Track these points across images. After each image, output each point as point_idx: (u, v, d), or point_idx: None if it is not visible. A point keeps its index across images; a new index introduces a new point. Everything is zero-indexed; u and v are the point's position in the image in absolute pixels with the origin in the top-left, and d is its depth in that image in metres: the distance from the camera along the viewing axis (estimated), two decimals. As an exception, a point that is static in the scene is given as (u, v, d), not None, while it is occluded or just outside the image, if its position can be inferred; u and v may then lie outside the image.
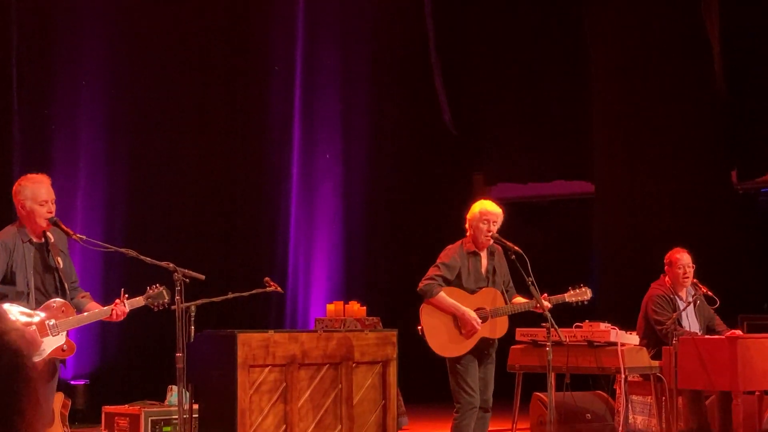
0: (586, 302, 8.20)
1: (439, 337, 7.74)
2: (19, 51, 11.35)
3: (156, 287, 6.92)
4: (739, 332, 9.13)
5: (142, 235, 11.48)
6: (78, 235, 6.81)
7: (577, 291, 8.15)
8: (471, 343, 7.73)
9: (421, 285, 7.77)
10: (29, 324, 6.39)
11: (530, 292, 7.64)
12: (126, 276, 11.02)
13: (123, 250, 7.14)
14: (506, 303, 7.84)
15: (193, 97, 12.80)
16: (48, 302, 6.53)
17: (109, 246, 7.36)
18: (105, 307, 6.70)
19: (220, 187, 13.01)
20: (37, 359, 6.39)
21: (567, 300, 8.10)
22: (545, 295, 7.84)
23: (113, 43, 12.23)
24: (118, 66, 12.22)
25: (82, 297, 6.76)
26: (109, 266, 11.37)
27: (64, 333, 6.55)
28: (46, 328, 6.44)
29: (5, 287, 6.44)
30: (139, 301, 6.83)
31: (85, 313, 6.68)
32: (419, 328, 7.80)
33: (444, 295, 7.72)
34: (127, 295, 6.76)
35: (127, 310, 6.74)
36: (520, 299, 7.90)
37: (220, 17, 13.07)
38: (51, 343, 6.47)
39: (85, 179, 11.93)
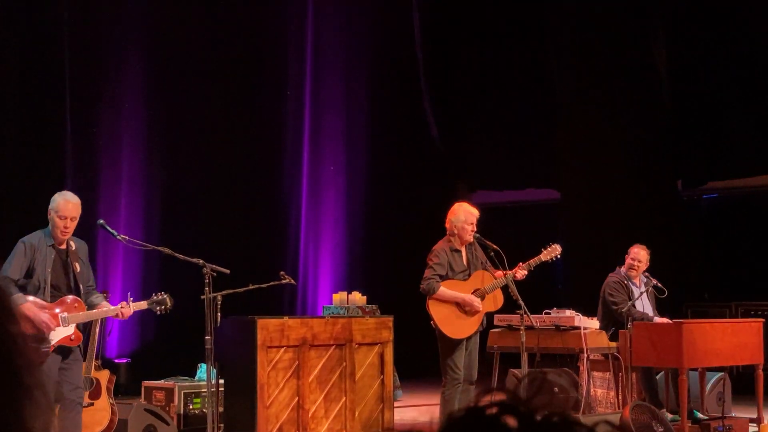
0: (559, 257, 8.11)
1: (450, 323, 7.66)
2: (71, 79, 11.33)
3: (161, 294, 6.83)
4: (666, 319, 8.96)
5: (176, 235, 11.44)
6: (122, 236, 6.80)
7: (549, 249, 8.06)
8: (478, 320, 7.71)
9: (422, 286, 7.65)
10: (44, 310, 6.33)
11: (508, 280, 7.66)
12: (162, 270, 11.02)
13: (160, 248, 7.12)
14: (494, 279, 7.80)
15: (219, 118, 12.77)
16: (63, 298, 6.46)
17: (148, 245, 7.34)
18: (113, 307, 6.62)
19: (241, 194, 12.97)
20: (44, 347, 6.32)
21: (543, 259, 8.01)
22: (520, 263, 7.80)
23: (150, 72, 12.21)
24: (154, 92, 12.20)
25: (96, 297, 6.64)
26: (147, 262, 11.33)
27: (74, 325, 6.46)
28: (58, 319, 6.39)
29: (25, 280, 6.37)
30: (142, 304, 6.75)
31: (94, 310, 6.57)
32: (432, 322, 7.70)
33: (444, 289, 7.62)
34: (132, 299, 6.68)
35: (132, 311, 6.66)
36: (499, 273, 7.82)
37: (244, 50, 13.05)
38: (60, 333, 6.38)
39: (127, 188, 11.90)
